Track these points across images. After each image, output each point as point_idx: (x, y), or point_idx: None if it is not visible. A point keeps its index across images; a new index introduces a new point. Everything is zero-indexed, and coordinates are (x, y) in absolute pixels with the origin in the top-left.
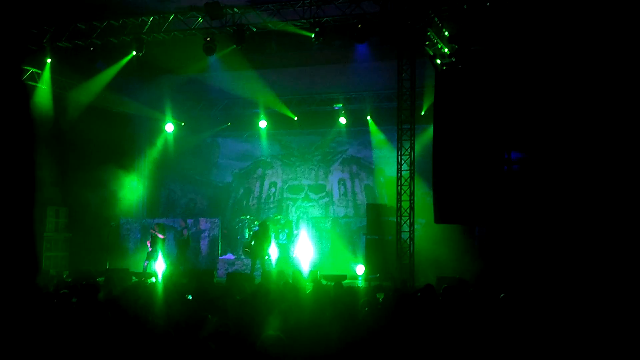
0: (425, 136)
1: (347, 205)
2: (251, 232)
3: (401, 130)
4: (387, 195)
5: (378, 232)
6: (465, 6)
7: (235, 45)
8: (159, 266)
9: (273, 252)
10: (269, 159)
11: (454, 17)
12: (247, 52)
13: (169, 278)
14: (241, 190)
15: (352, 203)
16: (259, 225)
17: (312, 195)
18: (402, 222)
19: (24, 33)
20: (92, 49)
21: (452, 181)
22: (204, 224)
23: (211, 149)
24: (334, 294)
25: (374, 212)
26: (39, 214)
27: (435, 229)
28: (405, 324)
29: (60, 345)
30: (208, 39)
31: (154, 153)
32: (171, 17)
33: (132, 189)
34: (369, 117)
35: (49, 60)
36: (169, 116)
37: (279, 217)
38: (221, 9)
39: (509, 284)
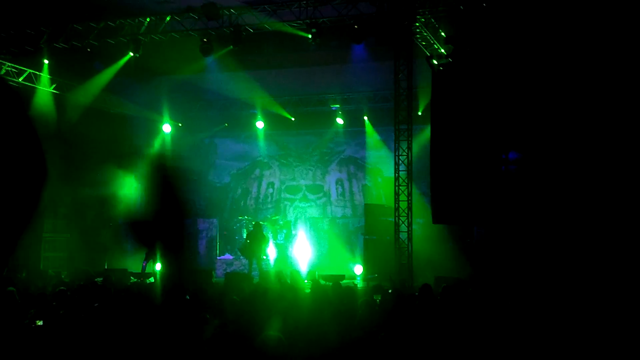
0: (423, 136)
1: (345, 205)
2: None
3: (398, 130)
4: (384, 196)
5: (376, 232)
6: (461, 7)
7: (232, 46)
8: (158, 266)
9: (271, 252)
10: (266, 160)
11: (450, 17)
12: (244, 53)
13: (167, 278)
14: (239, 191)
15: (349, 203)
16: (254, 226)
17: (309, 196)
18: (400, 222)
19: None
20: (89, 50)
21: (449, 181)
22: (201, 224)
23: (209, 149)
24: (333, 294)
25: (372, 212)
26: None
27: (433, 229)
28: (404, 323)
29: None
30: (205, 39)
31: (151, 154)
32: (168, 18)
33: (130, 189)
34: (365, 118)
35: (46, 62)
36: (166, 117)
37: (276, 217)
38: (217, 10)
39: (506, 283)
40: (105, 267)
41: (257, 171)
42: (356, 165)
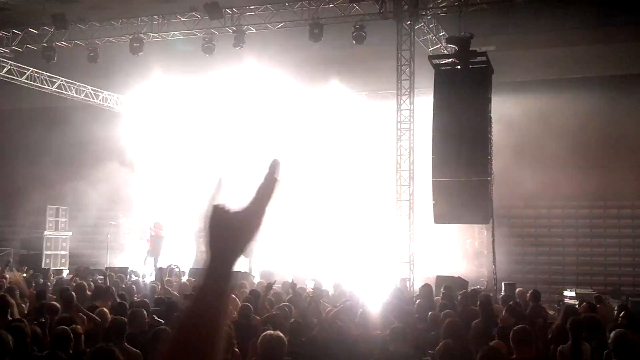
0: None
1: None
2: None
3: (400, 130)
4: None
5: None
6: (463, 7)
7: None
8: (159, 264)
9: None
10: None
11: (452, 17)
12: (246, 52)
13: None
14: None
15: None
16: None
17: None
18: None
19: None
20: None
21: (450, 181)
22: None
23: None
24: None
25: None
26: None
27: (435, 228)
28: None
29: None
30: (207, 39)
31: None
32: (171, 18)
33: (133, 187)
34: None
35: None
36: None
37: None
38: (220, 10)
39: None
40: (107, 265)
41: None
42: None
